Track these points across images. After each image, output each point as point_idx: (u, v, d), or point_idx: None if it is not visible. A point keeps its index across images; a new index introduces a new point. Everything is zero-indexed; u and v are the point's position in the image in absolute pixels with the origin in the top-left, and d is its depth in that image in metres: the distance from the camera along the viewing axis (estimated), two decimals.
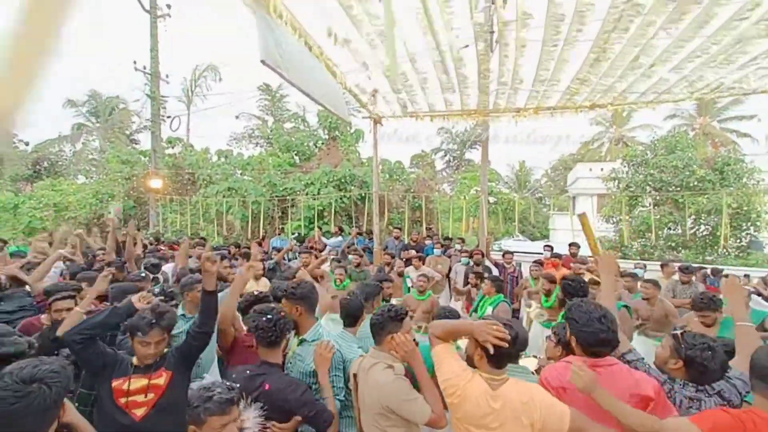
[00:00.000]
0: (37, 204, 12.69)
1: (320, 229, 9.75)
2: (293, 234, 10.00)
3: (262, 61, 2.86)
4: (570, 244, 6.80)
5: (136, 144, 24.83)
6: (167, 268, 4.91)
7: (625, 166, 12.98)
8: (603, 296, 2.13)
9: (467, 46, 4.49)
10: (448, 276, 6.46)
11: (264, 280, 4.64)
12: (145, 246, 8.97)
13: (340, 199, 10.36)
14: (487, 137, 7.98)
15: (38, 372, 1.21)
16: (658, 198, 11.41)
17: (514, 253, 6.74)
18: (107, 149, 19.43)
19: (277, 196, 11.04)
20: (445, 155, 29.34)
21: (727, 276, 5.33)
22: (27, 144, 23.02)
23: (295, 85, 3.30)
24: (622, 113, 21.81)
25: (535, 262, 5.36)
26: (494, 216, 12.44)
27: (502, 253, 6.71)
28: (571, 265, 5.55)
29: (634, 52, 4.07)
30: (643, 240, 11.67)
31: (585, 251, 7.57)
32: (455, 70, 4.91)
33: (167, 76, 12.96)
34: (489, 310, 4.06)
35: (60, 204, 12.75)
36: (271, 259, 6.12)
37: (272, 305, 2.18)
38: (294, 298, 2.29)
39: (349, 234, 9.02)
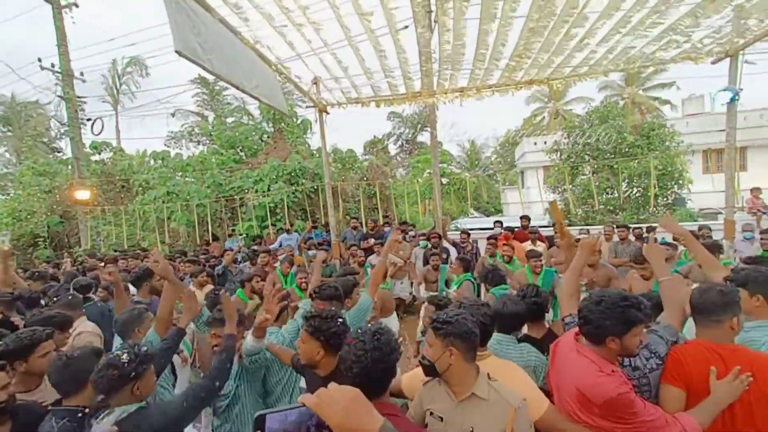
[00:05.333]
0: None
1: (274, 226, 9.35)
2: (241, 235, 9.51)
3: (177, 52, 2.55)
4: (521, 217, 7.06)
5: (58, 152, 22.27)
6: None
7: (565, 138, 13.70)
8: (567, 276, 2.18)
9: (406, 27, 4.37)
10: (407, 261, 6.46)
11: (209, 287, 4.33)
12: (75, 262, 8.11)
13: (292, 193, 9.97)
14: (435, 119, 8.00)
15: None
16: (596, 166, 12.21)
17: (472, 231, 6.89)
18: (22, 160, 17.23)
19: (223, 197, 10.40)
20: (398, 140, 29.35)
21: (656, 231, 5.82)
22: None
23: (220, 77, 3.00)
24: (558, 88, 22.90)
25: (489, 238, 5.48)
26: (448, 196, 12.63)
27: (460, 232, 6.84)
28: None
29: (565, 26, 4.17)
30: (586, 206, 12.48)
31: (535, 222, 7.91)
32: (396, 53, 4.78)
33: (82, 74, 11.58)
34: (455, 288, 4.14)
35: None
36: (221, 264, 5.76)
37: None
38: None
39: (303, 229, 8.73)
